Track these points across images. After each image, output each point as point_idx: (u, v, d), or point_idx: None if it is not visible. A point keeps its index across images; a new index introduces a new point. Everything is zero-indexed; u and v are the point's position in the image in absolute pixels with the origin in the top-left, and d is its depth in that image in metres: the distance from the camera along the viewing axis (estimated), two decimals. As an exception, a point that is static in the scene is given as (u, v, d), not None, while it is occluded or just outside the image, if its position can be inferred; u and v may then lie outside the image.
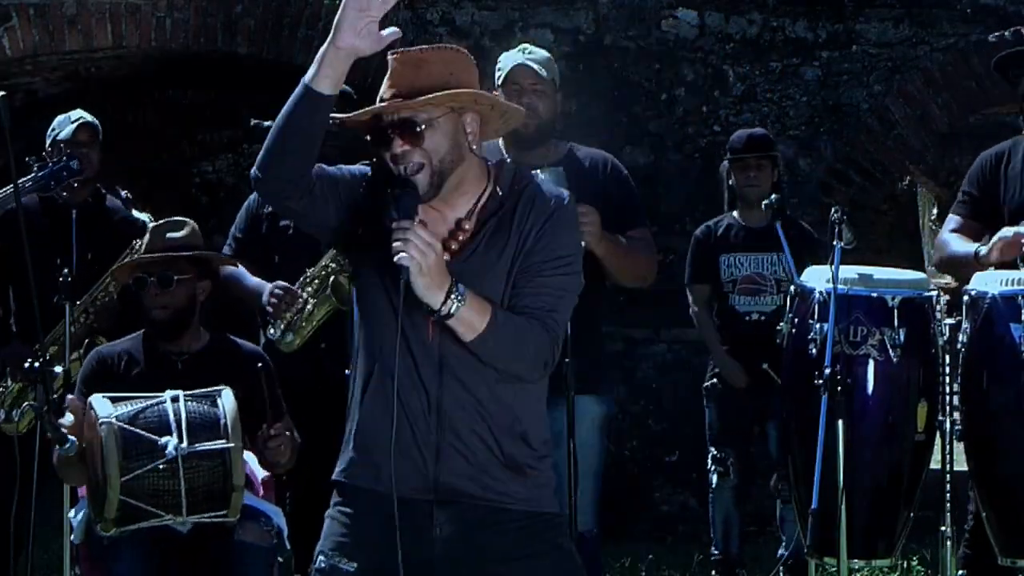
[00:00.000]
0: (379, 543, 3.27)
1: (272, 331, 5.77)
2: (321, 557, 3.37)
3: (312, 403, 5.54)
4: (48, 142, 6.05)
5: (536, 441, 3.39)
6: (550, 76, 5.14)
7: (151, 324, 4.94)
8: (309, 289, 5.73)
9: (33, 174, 5.30)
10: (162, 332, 4.93)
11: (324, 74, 3.26)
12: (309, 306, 5.70)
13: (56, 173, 5.40)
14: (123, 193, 6.06)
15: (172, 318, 4.91)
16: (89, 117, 5.99)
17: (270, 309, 5.73)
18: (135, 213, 5.96)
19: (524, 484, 3.34)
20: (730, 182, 6.64)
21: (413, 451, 3.30)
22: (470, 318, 3.23)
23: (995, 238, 4.98)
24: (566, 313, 3.37)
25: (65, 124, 5.85)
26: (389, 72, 3.36)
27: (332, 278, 5.65)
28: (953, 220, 5.36)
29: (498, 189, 3.36)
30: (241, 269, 5.83)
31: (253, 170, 3.29)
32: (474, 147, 3.36)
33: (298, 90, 3.26)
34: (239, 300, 5.92)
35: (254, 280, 5.84)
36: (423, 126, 3.29)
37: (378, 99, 3.34)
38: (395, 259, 3.18)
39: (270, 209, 5.96)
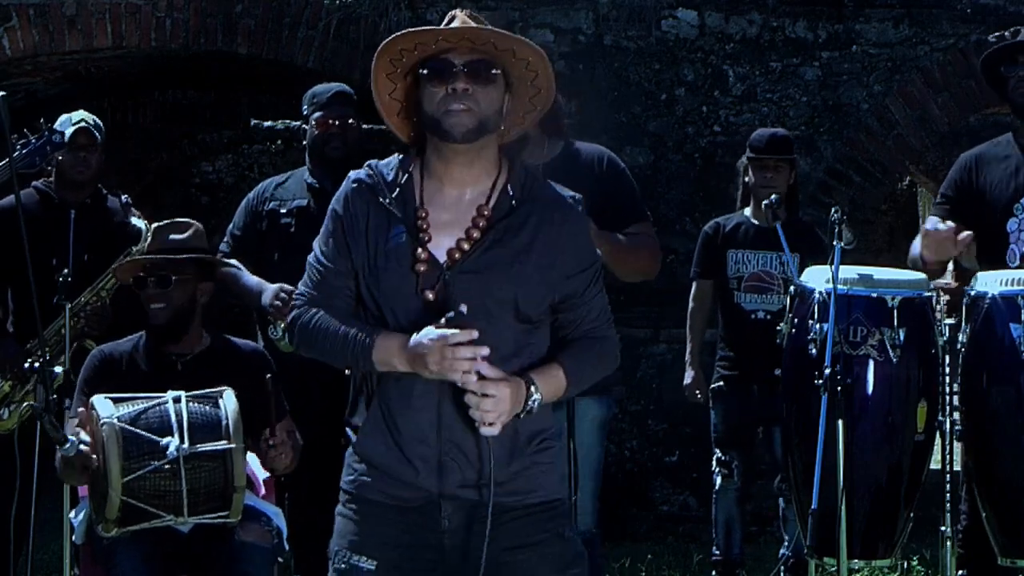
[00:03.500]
0: (396, 540, 3.30)
1: (273, 331, 5.77)
2: (339, 556, 3.36)
3: (312, 403, 5.54)
4: None
5: (547, 431, 3.41)
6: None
7: (151, 325, 4.93)
8: None
9: (18, 152, 5.28)
10: (162, 333, 4.92)
11: (387, 366, 3.27)
12: None
13: (40, 148, 5.38)
14: (123, 198, 6.05)
15: (171, 319, 4.90)
16: (91, 120, 5.97)
17: (272, 311, 5.73)
18: (134, 220, 5.94)
19: (530, 474, 3.36)
20: (746, 179, 6.62)
21: (433, 455, 3.29)
22: (551, 394, 3.31)
23: (922, 237, 4.97)
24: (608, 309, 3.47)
25: (66, 125, 5.84)
26: (456, 23, 3.32)
27: None
28: (930, 222, 5.35)
29: (509, 187, 3.33)
30: (238, 267, 5.83)
31: (298, 349, 3.40)
32: (501, 128, 3.32)
33: (360, 350, 3.26)
34: (236, 297, 5.91)
35: (253, 279, 5.84)
36: (497, 70, 3.28)
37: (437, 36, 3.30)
38: (481, 432, 3.21)
39: (270, 207, 5.96)
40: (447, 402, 3.27)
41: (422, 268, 3.26)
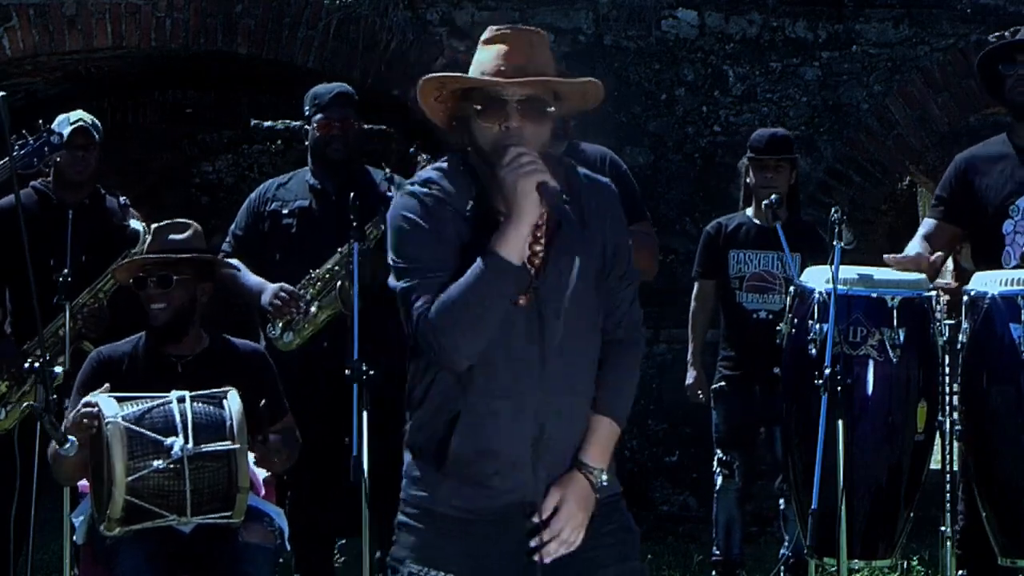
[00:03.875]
0: (473, 551, 3.30)
1: (272, 330, 5.78)
2: (411, 568, 3.32)
3: (313, 403, 5.55)
4: None
5: None
6: None
7: (151, 326, 4.93)
8: (312, 290, 5.73)
9: (16, 152, 5.27)
10: (163, 334, 4.92)
11: (515, 250, 3.20)
12: (313, 308, 5.71)
13: (39, 149, 5.37)
14: (122, 199, 6.04)
15: (172, 319, 4.90)
16: (88, 120, 5.96)
17: (271, 310, 5.74)
18: (132, 223, 5.93)
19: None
20: (747, 180, 6.63)
21: (526, 470, 3.30)
22: (609, 451, 3.38)
23: (902, 257, 5.02)
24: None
25: (64, 125, 5.83)
26: (505, 48, 3.28)
27: (339, 283, 5.64)
28: (926, 224, 5.35)
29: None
30: (239, 266, 5.83)
31: (444, 351, 3.19)
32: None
33: (493, 265, 3.17)
34: (236, 297, 5.92)
35: (254, 279, 5.85)
36: (551, 108, 3.27)
37: (490, 70, 3.26)
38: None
39: (272, 207, 5.97)
40: (544, 413, 3.27)
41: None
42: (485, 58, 3.29)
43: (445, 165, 3.33)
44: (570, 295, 3.28)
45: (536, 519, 3.26)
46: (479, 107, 3.25)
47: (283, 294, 5.72)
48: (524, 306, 3.23)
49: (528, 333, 3.24)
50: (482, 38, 3.35)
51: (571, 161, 3.47)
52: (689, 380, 6.63)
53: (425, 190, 3.27)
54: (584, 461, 3.33)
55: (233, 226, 6.09)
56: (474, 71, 3.30)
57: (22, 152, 5.32)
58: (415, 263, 3.24)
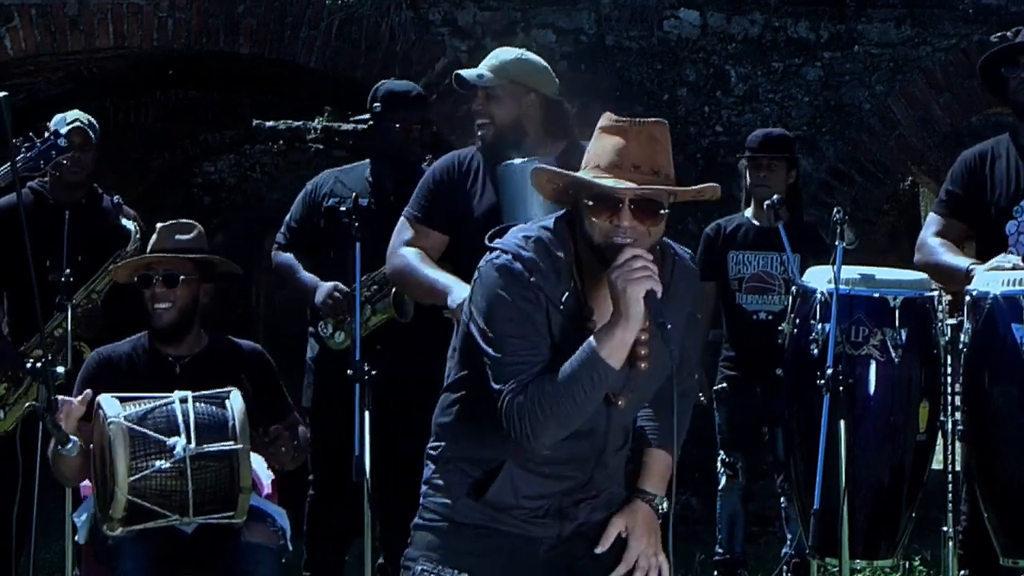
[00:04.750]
0: (489, 554, 3.34)
1: (323, 329, 5.76)
2: (425, 567, 3.35)
3: (337, 404, 5.50)
4: None
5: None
6: (499, 79, 4.89)
7: (155, 327, 4.93)
8: (367, 292, 5.65)
9: (23, 154, 5.27)
10: (165, 334, 4.92)
11: (617, 355, 3.20)
12: (367, 311, 5.65)
13: (45, 152, 5.37)
14: (115, 198, 6.03)
15: (176, 319, 4.91)
16: (85, 119, 5.95)
17: (325, 309, 5.72)
18: (124, 222, 5.92)
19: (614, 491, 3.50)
20: (745, 180, 6.64)
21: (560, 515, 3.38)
22: (664, 480, 3.50)
23: (993, 263, 4.94)
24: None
25: (60, 125, 5.82)
26: (619, 142, 3.22)
27: (395, 290, 5.57)
28: (936, 220, 5.33)
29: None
30: (294, 261, 5.84)
31: (527, 436, 3.20)
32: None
33: (592, 365, 3.16)
34: (291, 291, 5.95)
35: (308, 276, 5.84)
36: (666, 210, 3.25)
37: (605, 164, 3.22)
38: None
39: (330, 202, 5.90)
40: (606, 462, 3.37)
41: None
42: (603, 148, 3.25)
43: (547, 239, 3.28)
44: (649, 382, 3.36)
45: (598, 549, 3.39)
46: (590, 202, 3.23)
47: (337, 294, 5.68)
48: (615, 403, 3.30)
49: (597, 413, 3.29)
50: (600, 125, 3.30)
51: (670, 246, 3.45)
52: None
53: (524, 271, 3.24)
54: (646, 489, 3.48)
55: (288, 217, 6.05)
56: (589, 160, 3.27)
57: (28, 154, 5.32)
58: (507, 341, 3.22)
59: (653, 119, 3.30)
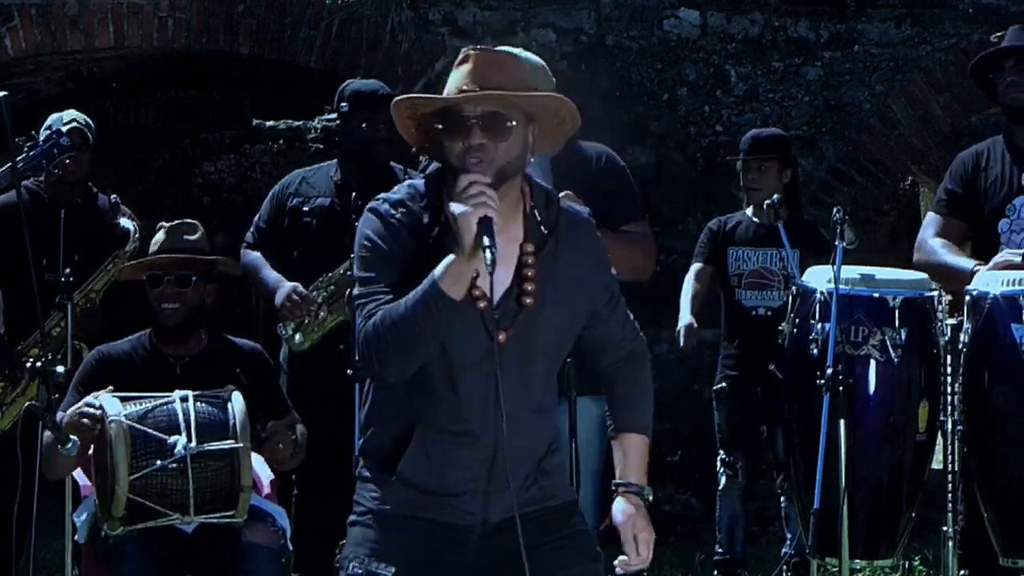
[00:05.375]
0: (418, 545, 3.31)
1: (282, 330, 5.77)
2: (354, 563, 3.33)
3: (321, 402, 5.52)
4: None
5: (557, 436, 3.49)
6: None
7: (163, 326, 4.93)
8: (324, 293, 5.67)
9: (25, 154, 5.27)
10: (173, 334, 4.93)
11: (454, 283, 3.16)
12: (323, 313, 5.67)
13: (48, 151, 5.36)
14: (112, 197, 6.03)
15: (185, 319, 4.92)
16: (81, 119, 5.95)
17: (283, 311, 5.73)
18: (122, 221, 5.91)
19: (549, 481, 3.42)
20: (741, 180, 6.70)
21: (479, 494, 3.32)
22: (645, 463, 3.52)
23: (999, 259, 4.94)
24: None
25: (58, 124, 5.82)
26: (470, 67, 3.23)
27: (350, 290, 5.59)
28: (935, 220, 5.33)
29: (536, 212, 3.33)
30: (259, 259, 5.83)
31: (375, 366, 3.21)
32: (531, 160, 3.31)
33: (430, 295, 3.14)
34: (254, 288, 5.94)
35: (272, 275, 5.83)
36: (513, 122, 3.22)
37: (454, 90, 3.23)
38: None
39: (293, 203, 5.91)
40: (503, 435, 3.25)
41: (482, 305, 3.22)
42: (453, 79, 3.27)
43: (420, 185, 3.33)
44: (540, 332, 3.30)
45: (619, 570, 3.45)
46: (441, 125, 3.23)
47: (295, 296, 5.69)
48: (504, 342, 3.24)
49: (488, 361, 3.23)
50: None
51: (552, 191, 3.45)
52: (682, 323, 6.49)
53: (391, 211, 3.28)
54: (630, 482, 3.49)
55: (257, 217, 6.06)
56: (445, 93, 3.28)
57: (32, 154, 5.32)
58: (369, 279, 3.26)
59: (504, 48, 3.36)
